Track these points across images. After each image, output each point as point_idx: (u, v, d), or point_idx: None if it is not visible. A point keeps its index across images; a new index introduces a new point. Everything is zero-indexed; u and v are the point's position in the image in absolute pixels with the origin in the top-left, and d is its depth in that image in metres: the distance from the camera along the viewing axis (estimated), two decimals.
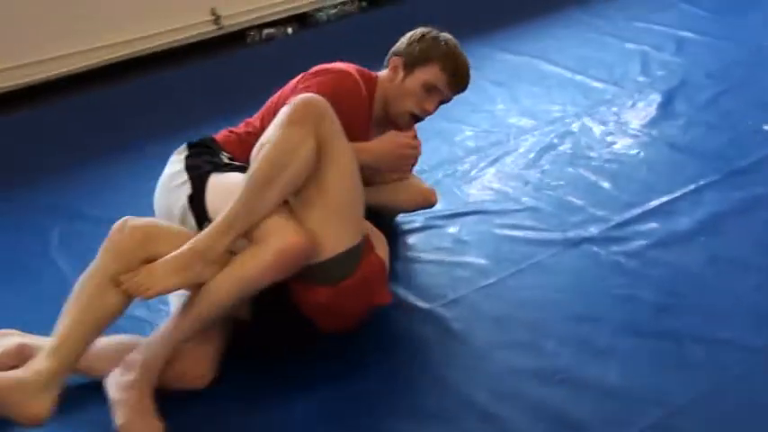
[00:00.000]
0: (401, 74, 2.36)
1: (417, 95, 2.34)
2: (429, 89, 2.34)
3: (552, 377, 2.04)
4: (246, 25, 4.28)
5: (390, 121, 2.38)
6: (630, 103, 3.32)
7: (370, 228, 2.20)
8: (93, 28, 3.84)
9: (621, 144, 3.05)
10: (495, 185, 2.84)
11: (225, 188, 2.06)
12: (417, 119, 2.38)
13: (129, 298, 1.89)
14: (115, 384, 1.92)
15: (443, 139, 3.14)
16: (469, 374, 2.07)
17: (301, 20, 4.42)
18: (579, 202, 2.71)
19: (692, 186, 2.75)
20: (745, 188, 2.71)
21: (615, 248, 2.48)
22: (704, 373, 2.03)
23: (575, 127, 3.18)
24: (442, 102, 2.41)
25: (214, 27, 4.19)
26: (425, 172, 2.90)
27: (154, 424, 1.87)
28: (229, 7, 4.20)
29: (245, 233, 1.92)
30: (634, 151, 3.00)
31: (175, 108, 3.52)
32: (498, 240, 2.56)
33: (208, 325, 1.95)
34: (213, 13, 4.16)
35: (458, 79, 2.37)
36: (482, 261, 2.47)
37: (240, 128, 2.35)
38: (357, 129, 2.24)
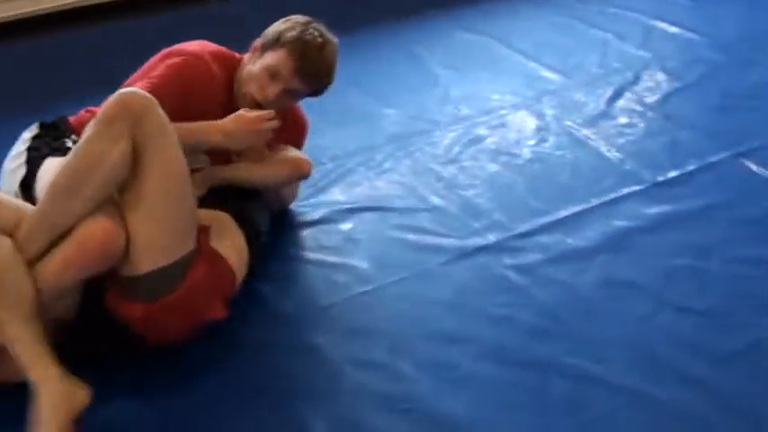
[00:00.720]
0: (256, 56, 2.22)
1: (260, 80, 2.17)
2: (272, 74, 2.17)
3: (400, 406, 1.90)
4: None
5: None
6: (576, 96, 3.13)
7: (221, 223, 2.06)
8: None
9: (552, 142, 2.86)
10: (406, 180, 2.67)
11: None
12: (260, 105, 2.19)
13: None
14: None
15: (366, 122, 2.98)
16: (314, 397, 1.93)
17: None
18: (487, 206, 2.54)
19: (611, 196, 2.57)
20: (665, 203, 2.52)
21: (508, 261, 2.32)
22: (562, 411, 1.89)
23: (509, 119, 3.00)
24: (292, 93, 2.22)
25: None
26: (338, 158, 2.76)
27: None
28: None
29: (50, 244, 1.78)
30: (562, 152, 2.81)
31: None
32: (389, 243, 2.41)
33: (20, 320, 1.77)
34: None
35: (306, 68, 2.17)
36: (365, 265, 2.32)
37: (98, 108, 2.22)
38: (213, 112, 2.12)
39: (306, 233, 2.46)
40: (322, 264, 2.34)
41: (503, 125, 2.97)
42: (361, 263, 2.33)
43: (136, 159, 1.79)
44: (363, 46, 3.49)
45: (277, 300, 2.20)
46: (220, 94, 2.21)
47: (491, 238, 2.41)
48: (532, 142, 2.87)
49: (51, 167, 1.98)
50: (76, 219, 1.76)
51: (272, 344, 2.08)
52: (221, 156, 2.25)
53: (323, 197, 2.60)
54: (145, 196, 1.81)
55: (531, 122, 2.98)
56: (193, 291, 1.89)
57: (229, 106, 2.19)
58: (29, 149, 2.09)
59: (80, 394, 1.73)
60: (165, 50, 2.21)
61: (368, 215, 2.52)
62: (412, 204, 2.56)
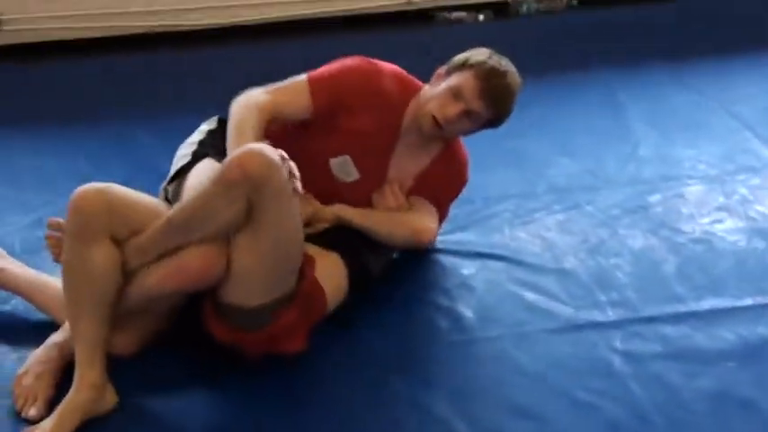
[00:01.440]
0: (440, 82, 2.19)
1: (442, 98, 2.13)
2: (455, 93, 2.12)
3: None
4: (436, 4, 4.16)
5: (417, 127, 2.20)
6: None
7: (328, 263, 2.08)
8: None
9: (728, 226, 2.57)
10: (549, 235, 2.52)
11: (197, 179, 2.06)
12: (439, 125, 2.14)
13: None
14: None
15: (534, 167, 2.87)
16: None
17: (498, 8, 4.20)
18: (623, 280, 2.33)
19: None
20: None
21: (619, 345, 2.11)
22: None
23: (692, 190, 2.73)
24: (472, 116, 2.15)
25: (404, 1, 4.12)
26: (490, 199, 2.68)
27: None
28: None
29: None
30: (735, 238, 2.51)
31: None
32: (503, 296, 2.29)
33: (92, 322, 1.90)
34: None
35: (489, 91, 2.12)
36: (470, 314, 2.22)
37: None
38: (368, 127, 2.17)
39: (426, 269, 2.41)
40: (429, 303, 2.28)
41: (681, 196, 2.71)
42: (467, 311, 2.24)
43: (252, 215, 1.84)
44: (560, 87, 3.36)
45: (370, 330, 2.18)
46: (385, 111, 2.21)
47: (611, 315, 2.21)
48: (706, 221, 2.59)
49: (204, 170, 2.10)
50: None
51: (349, 372, 2.06)
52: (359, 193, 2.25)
53: (458, 235, 2.52)
54: (255, 249, 1.86)
55: (714, 199, 2.69)
56: (281, 328, 1.96)
57: (389, 129, 2.21)
58: (200, 143, 2.23)
59: (105, 403, 1.88)
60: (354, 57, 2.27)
61: (494, 264, 2.41)
62: (544, 262, 2.41)
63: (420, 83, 2.28)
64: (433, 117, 2.13)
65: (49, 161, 2.98)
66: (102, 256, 1.87)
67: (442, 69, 2.21)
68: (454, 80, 2.14)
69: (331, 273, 2.10)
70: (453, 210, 2.59)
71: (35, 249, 2.36)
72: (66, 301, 1.92)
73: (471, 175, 2.71)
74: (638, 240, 2.51)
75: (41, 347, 1.98)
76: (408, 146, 2.25)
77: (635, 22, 4.01)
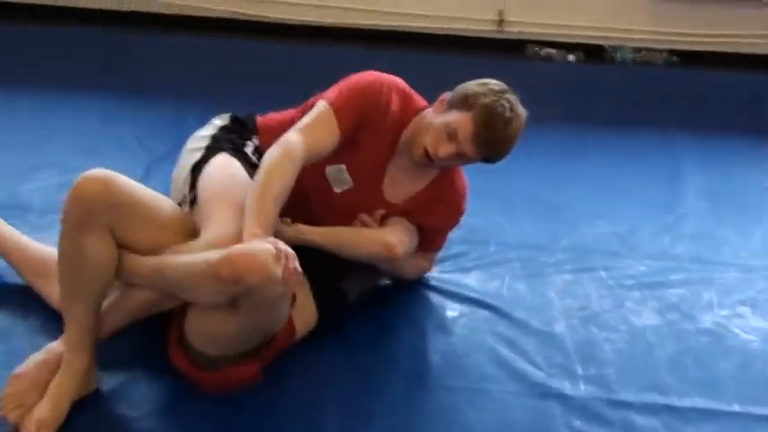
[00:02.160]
0: (442, 109, 2.12)
1: (437, 134, 2.07)
2: (450, 133, 2.05)
3: None
4: (528, 38, 4.06)
5: (410, 151, 2.15)
6: None
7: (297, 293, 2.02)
8: None
9: (746, 322, 2.35)
10: (550, 294, 2.40)
11: (218, 173, 2.06)
12: (430, 159, 2.09)
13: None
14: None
15: (564, 222, 2.76)
16: None
17: (590, 51, 4.06)
18: (608, 356, 2.19)
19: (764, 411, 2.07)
20: None
21: (577, 424, 1.97)
22: None
23: (727, 278, 2.53)
24: (463, 157, 2.08)
25: (495, 29, 4.05)
26: (504, 246, 2.59)
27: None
28: (517, 15, 4.02)
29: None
30: (750, 337, 2.29)
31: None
32: (477, 347, 2.19)
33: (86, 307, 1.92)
34: (499, 15, 4.01)
35: (485, 139, 2.04)
36: (436, 359, 2.15)
37: (282, 115, 2.30)
38: (379, 146, 2.14)
39: (410, 303, 2.34)
40: (398, 339, 2.21)
41: (707, 281, 2.52)
42: (435, 355, 2.17)
43: (239, 301, 1.83)
44: (623, 142, 3.24)
45: (329, 352, 2.13)
46: (385, 127, 2.16)
47: (582, 390, 2.08)
48: (724, 312, 2.40)
49: (220, 164, 2.10)
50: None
51: (286, 393, 2.02)
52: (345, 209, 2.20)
53: (457, 276, 2.45)
54: (233, 319, 1.86)
55: (742, 292, 2.48)
56: (238, 372, 1.96)
57: (386, 145, 2.16)
58: (213, 137, 2.22)
59: (90, 386, 1.92)
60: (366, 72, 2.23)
61: (481, 312, 2.32)
62: (533, 320, 2.30)
63: (422, 102, 2.22)
64: (425, 150, 2.08)
65: (97, 127, 3.08)
66: (99, 247, 1.87)
67: (446, 95, 2.13)
68: (453, 118, 2.06)
69: (302, 304, 2.07)
70: (463, 248, 2.55)
71: (52, 210, 2.43)
72: (60, 285, 1.94)
73: (494, 216, 2.65)
74: (641, 318, 2.35)
75: (41, 353, 1.92)
76: (404, 164, 2.19)
77: (729, 90, 3.80)
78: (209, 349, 1.92)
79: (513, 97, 2.10)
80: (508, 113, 2.05)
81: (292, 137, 2.03)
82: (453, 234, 2.46)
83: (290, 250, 1.78)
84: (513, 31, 4.04)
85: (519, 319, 2.30)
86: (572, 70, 4.00)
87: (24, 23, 3.93)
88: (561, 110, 3.51)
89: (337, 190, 2.18)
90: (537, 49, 4.04)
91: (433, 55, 3.90)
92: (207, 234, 1.92)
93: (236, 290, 1.76)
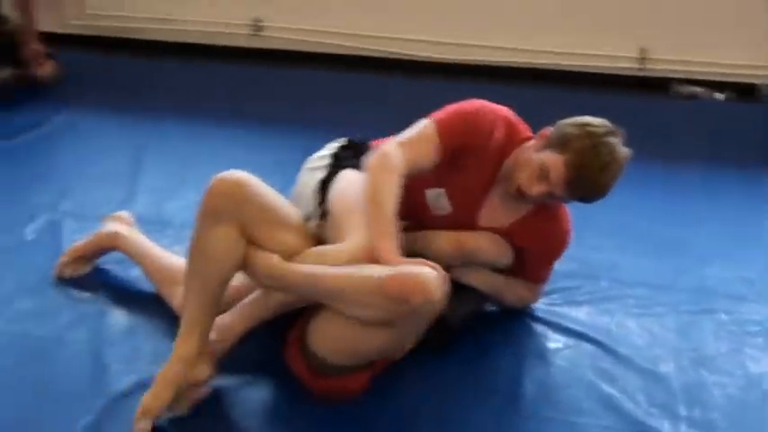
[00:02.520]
0: (541, 145, 2.11)
1: (532, 172, 2.07)
2: (543, 173, 2.04)
3: None
4: (672, 75, 3.94)
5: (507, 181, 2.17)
6: None
7: None
8: (523, 30, 4.00)
9: None
10: (662, 334, 2.31)
11: (348, 187, 2.13)
12: (523, 195, 2.10)
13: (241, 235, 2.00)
14: None
15: (683, 262, 2.64)
16: None
17: (741, 89, 3.89)
18: (719, 401, 2.08)
19: None
20: None
21: None
22: None
23: None
24: (555, 197, 2.08)
25: (637, 66, 3.96)
26: (618, 282, 2.52)
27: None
28: (661, 52, 3.92)
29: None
30: None
31: None
32: (576, 381, 2.14)
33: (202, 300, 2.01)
34: (641, 53, 3.93)
35: (577, 184, 2.02)
36: (530, 389, 2.11)
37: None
38: (480, 170, 2.16)
39: (512, 329, 2.32)
40: (495, 365, 2.19)
41: None
42: (530, 384, 2.13)
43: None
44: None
45: (429, 371, 2.15)
46: (488, 155, 2.17)
47: (683, 431, 1.99)
48: None
49: (350, 179, 2.18)
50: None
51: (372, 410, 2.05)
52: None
53: (566, 309, 2.41)
54: (371, 336, 1.92)
55: None
56: (353, 380, 2.03)
57: (487, 173, 2.18)
58: (334, 155, 2.33)
59: (199, 372, 1.97)
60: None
61: (586, 346, 2.26)
62: (639, 358, 2.22)
63: (528, 132, 2.21)
64: (519, 186, 2.08)
65: (240, 154, 3.24)
66: (223, 243, 1.97)
67: (547, 130, 2.12)
68: (547, 158, 2.04)
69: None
70: (574, 282, 2.51)
71: (189, 226, 2.57)
72: (185, 273, 2.04)
73: (613, 253, 2.60)
74: (760, 365, 2.23)
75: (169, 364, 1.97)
76: (503, 194, 2.19)
77: None
78: (336, 358, 1.96)
79: (614, 140, 2.05)
80: (605, 158, 2.01)
81: (392, 149, 2.07)
82: (564, 267, 2.46)
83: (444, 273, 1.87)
84: (657, 68, 3.95)
85: (624, 355, 2.23)
86: (718, 108, 3.84)
87: (173, 60, 4.19)
88: (703, 149, 3.40)
89: (435, 213, 2.21)
90: (681, 87, 3.93)
91: (571, 93, 3.87)
92: (350, 243, 1.96)
93: (401, 309, 1.82)
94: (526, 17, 3.99)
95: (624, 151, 2.06)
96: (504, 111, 2.21)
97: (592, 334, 2.31)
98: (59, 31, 4.16)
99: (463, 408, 2.07)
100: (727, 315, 2.41)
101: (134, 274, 2.43)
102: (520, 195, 2.11)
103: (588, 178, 2.02)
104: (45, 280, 2.42)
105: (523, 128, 2.22)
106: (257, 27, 4.16)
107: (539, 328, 2.34)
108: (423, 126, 2.15)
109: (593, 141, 2.02)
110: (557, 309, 2.41)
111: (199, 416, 1.99)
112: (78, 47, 4.15)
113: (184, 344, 1.98)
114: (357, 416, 2.01)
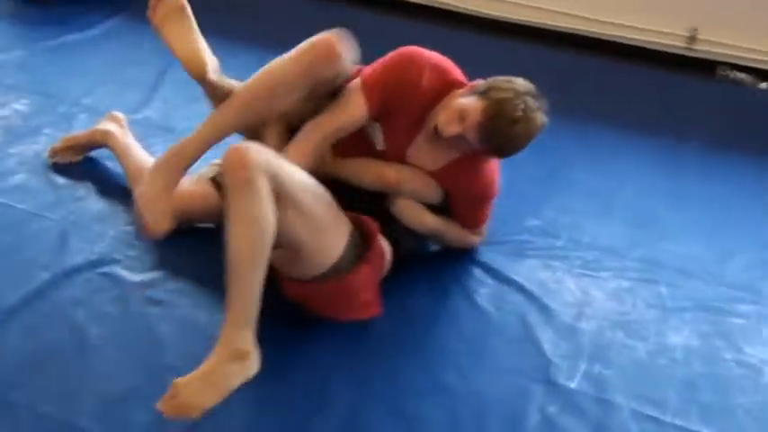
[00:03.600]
0: (467, 93, 2.19)
1: (450, 114, 2.14)
2: (461, 116, 2.12)
3: None
4: (719, 59, 3.86)
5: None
6: None
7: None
8: None
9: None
10: (594, 293, 2.38)
11: None
12: (439, 135, 2.19)
13: None
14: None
15: (651, 232, 2.67)
16: None
17: None
18: (614, 360, 2.14)
19: None
20: None
21: (550, 409, 1.98)
22: None
23: None
24: (466, 141, 2.14)
25: (684, 45, 3.90)
26: (577, 243, 2.57)
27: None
28: (711, 34, 3.84)
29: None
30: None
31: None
32: (494, 324, 2.24)
33: (242, 121, 2.13)
34: (691, 32, 3.86)
35: (487, 129, 2.08)
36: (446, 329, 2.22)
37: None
38: (405, 118, 2.24)
39: (450, 273, 2.42)
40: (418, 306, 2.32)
41: None
42: (448, 328, 2.24)
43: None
44: None
45: None
46: (414, 100, 2.25)
47: (574, 383, 2.07)
48: None
49: None
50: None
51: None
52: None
53: (509, 259, 2.48)
54: (303, 213, 1.99)
55: None
56: (351, 287, 2.12)
57: (414, 117, 2.26)
58: None
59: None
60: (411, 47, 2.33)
61: (516, 297, 2.35)
62: (563, 315, 2.29)
63: (462, 79, 2.27)
64: (436, 125, 2.17)
65: None
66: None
67: (477, 82, 2.20)
68: (468, 102, 2.12)
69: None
70: (530, 237, 2.58)
71: None
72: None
73: (578, 218, 2.67)
74: (679, 336, 2.27)
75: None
76: (431, 137, 2.26)
77: None
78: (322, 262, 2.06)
79: (534, 102, 2.12)
80: (518, 113, 2.08)
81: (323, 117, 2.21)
82: (528, 222, 2.60)
83: None
84: (704, 50, 3.87)
85: (549, 308, 2.31)
86: (759, 96, 3.74)
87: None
88: (728, 135, 3.35)
89: (377, 146, 2.32)
90: (727, 71, 3.84)
91: (616, 63, 3.85)
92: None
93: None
94: None
95: (540, 117, 2.12)
96: (435, 58, 2.26)
97: (526, 285, 2.39)
98: None
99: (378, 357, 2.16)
100: (667, 288, 2.44)
101: (116, 171, 2.65)
102: (436, 135, 2.20)
103: (499, 128, 2.08)
104: (41, 162, 2.67)
105: (457, 74, 2.28)
106: None
107: (476, 271, 2.43)
108: (351, 92, 2.23)
109: (513, 96, 2.09)
110: (501, 257, 2.49)
111: None
112: None
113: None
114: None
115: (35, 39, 3.53)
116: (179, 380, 1.78)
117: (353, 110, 2.20)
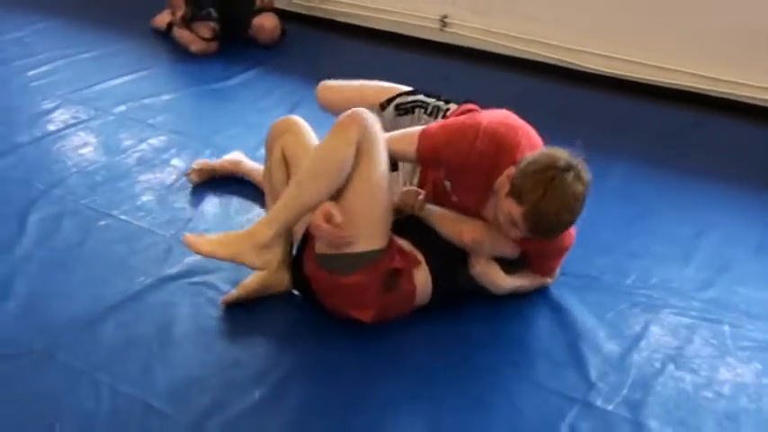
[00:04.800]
0: (507, 186, 2.23)
1: (504, 218, 2.24)
2: (512, 222, 2.22)
3: None
4: None
5: None
6: None
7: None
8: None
9: None
10: (681, 333, 2.42)
11: None
12: None
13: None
14: None
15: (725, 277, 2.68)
16: None
17: None
18: (657, 394, 2.18)
19: None
20: None
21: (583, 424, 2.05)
22: None
23: None
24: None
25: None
26: (674, 292, 2.62)
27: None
28: None
29: (290, 226, 2.34)
30: None
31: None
32: (548, 343, 2.34)
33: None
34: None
35: (537, 229, 2.20)
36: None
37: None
38: (465, 175, 2.37)
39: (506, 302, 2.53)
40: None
41: None
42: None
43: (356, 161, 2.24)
44: None
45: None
46: (473, 168, 2.33)
47: (611, 406, 2.13)
48: None
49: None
50: (313, 204, 2.26)
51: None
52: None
53: (571, 294, 2.57)
54: (349, 192, 2.26)
55: None
56: (360, 286, 2.30)
57: (480, 184, 2.34)
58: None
59: (278, 281, 2.45)
60: (475, 110, 2.54)
61: (570, 326, 2.43)
62: (612, 343, 2.36)
63: (521, 145, 2.30)
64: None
65: None
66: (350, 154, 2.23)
67: (511, 170, 2.23)
68: (510, 207, 2.19)
69: (424, 276, 2.39)
70: (593, 273, 2.66)
71: None
72: (298, 171, 2.33)
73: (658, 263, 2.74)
74: (732, 373, 2.28)
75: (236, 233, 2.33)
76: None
77: None
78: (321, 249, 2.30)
79: (569, 176, 2.14)
80: (556, 205, 2.14)
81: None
82: (597, 261, 2.70)
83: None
84: None
85: (602, 338, 2.39)
86: None
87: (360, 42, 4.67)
88: None
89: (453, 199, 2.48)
90: None
91: (730, 121, 3.83)
92: None
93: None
94: (699, 40, 3.97)
95: (579, 184, 2.17)
96: (492, 126, 2.32)
97: (582, 316, 2.47)
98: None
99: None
100: (730, 328, 2.45)
101: (220, 200, 3.01)
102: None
103: (546, 224, 2.18)
104: (165, 188, 3.06)
105: (514, 142, 2.30)
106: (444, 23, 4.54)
107: (536, 299, 2.53)
108: (413, 132, 2.39)
109: (546, 187, 2.13)
110: (565, 289, 2.58)
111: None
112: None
113: (261, 227, 2.29)
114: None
115: (182, 86, 4.00)
116: (209, 235, 2.33)
117: (404, 149, 2.38)
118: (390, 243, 2.34)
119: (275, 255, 2.33)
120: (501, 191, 2.24)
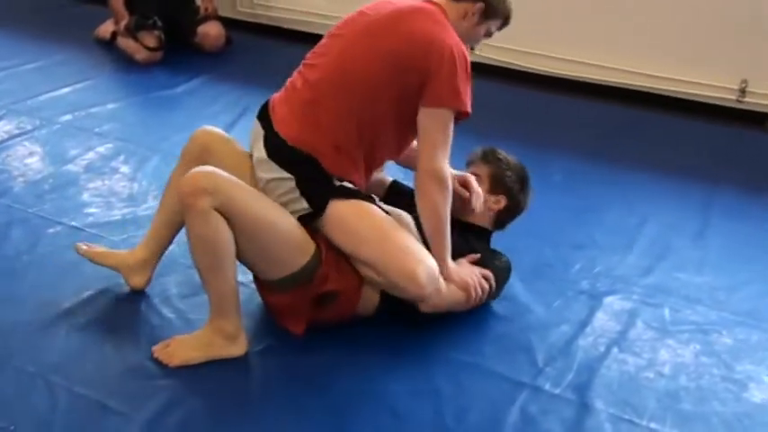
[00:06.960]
0: (473, 20, 2.42)
1: (479, 39, 2.53)
2: (488, 35, 2.52)
3: None
4: None
5: None
6: None
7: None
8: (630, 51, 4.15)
9: None
10: (622, 317, 2.51)
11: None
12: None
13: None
14: None
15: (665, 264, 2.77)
16: None
17: None
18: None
19: None
20: None
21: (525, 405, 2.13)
22: None
23: None
24: None
25: (734, 98, 3.98)
26: (621, 279, 2.70)
27: None
28: (761, 86, 3.91)
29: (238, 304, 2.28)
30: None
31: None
32: (500, 335, 2.41)
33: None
34: (742, 84, 3.94)
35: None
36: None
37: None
38: None
39: None
40: None
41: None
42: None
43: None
44: None
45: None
46: None
47: (558, 389, 2.21)
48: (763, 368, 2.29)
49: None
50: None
51: None
52: None
53: (520, 284, 2.64)
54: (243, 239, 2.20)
55: None
56: (288, 305, 2.31)
57: None
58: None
59: (235, 348, 2.27)
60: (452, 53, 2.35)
61: (519, 316, 2.51)
62: (563, 326, 2.44)
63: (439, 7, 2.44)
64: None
65: None
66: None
67: (471, 8, 2.40)
68: (490, 27, 2.48)
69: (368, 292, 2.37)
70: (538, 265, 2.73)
71: None
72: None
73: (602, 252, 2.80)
74: (673, 354, 2.37)
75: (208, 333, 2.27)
76: None
77: None
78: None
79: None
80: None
81: (444, 166, 2.30)
82: (544, 253, 2.78)
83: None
84: (754, 102, 3.94)
85: (549, 325, 2.47)
86: None
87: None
88: None
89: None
90: None
91: (671, 117, 3.97)
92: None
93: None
94: (636, 39, 4.11)
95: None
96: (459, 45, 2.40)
97: (530, 305, 2.55)
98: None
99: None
100: (671, 311, 2.55)
101: None
102: None
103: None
104: (113, 195, 3.05)
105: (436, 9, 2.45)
106: None
107: None
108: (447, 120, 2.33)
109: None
110: (514, 279, 2.65)
111: None
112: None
113: (222, 321, 2.25)
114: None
115: (128, 94, 4.01)
116: (178, 336, 2.28)
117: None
118: (326, 262, 2.28)
119: (243, 336, 2.29)
120: (461, 29, 2.40)
